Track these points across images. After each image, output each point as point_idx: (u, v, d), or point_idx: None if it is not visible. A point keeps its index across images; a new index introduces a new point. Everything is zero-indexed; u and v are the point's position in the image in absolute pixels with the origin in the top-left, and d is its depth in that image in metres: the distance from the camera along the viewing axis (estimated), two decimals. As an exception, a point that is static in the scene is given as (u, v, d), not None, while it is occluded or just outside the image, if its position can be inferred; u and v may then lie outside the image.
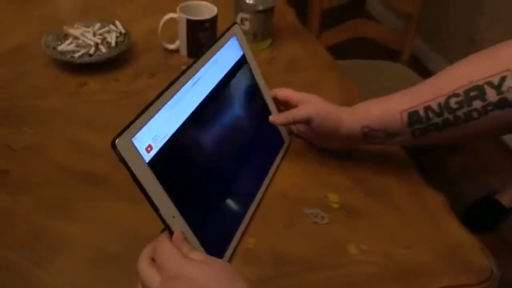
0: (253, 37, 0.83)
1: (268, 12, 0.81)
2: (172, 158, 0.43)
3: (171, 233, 0.40)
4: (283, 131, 0.62)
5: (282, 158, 0.61)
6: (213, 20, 0.78)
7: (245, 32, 0.82)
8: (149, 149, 0.40)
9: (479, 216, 1.43)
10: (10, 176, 0.54)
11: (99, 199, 0.52)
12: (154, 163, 0.40)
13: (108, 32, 0.78)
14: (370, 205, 0.55)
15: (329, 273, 0.47)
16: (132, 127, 0.38)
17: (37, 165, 0.56)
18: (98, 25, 0.78)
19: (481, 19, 2.03)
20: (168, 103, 0.43)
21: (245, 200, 0.52)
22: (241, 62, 0.57)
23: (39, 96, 0.67)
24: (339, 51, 1.52)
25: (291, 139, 0.63)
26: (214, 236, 0.47)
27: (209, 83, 0.50)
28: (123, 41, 0.77)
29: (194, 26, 0.76)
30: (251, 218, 0.52)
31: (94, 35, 0.76)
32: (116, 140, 0.36)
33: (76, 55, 0.72)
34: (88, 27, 0.78)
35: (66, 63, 0.72)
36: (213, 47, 0.52)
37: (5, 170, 0.55)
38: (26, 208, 0.51)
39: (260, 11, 0.80)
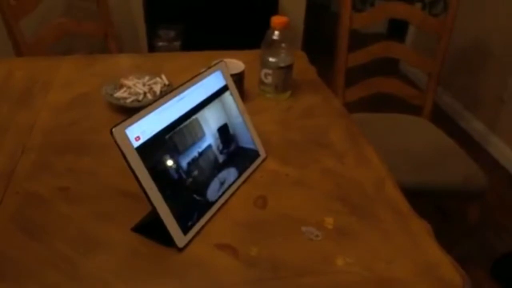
0: (275, 89, 0.97)
1: (288, 68, 0.96)
2: (153, 148, 0.58)
3: (150, 203, 0.55)
4: (260, 147, 0.76)
5: (256, 169, 0.75)
6: (240, 75, 0.93)
7: (268, 85, 0.97)
8: (137, 139, 0.56)
9: (507, 271, 1.42)
10: (70, 191, 0.69)
11: (137, 211, 0.65)
12: (140, 149, 0.56)
13: (155, 83, 0.94)
14: (361, 228, 0.64)
15: (317, 279, 0.56)
16: (126, 121, 0.55)
17: (91, 184, 0.70)
18: (147, 77, 0.96)
19: (509, 79, 2.09)
20: (157, 109, 0.60)
21: (213, 195, 0.65)
22: (223, 90, 0.73)
23: (97, 132, 0.83)
24: (364, 105, 1.65)
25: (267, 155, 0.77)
26: (183, 214, 0.60)
27: (192, 100, 0.66)
28: (167, 90, 0.93)
29: (224, 79, 0.91)
30: (252, 228, 0.62)
31: (144, 85, 0.93)
32: (113, 129, 0.53)
33: (128, 100, 0.89)
34: (139, 79, 0.95)
35: (120, 107, 0.89)
36: (200, 76, 0.69)
37: (67, 187, 0.70)
38: (81, 216, 0.64)
39: (280, 68, 0.95)
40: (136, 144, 0.56)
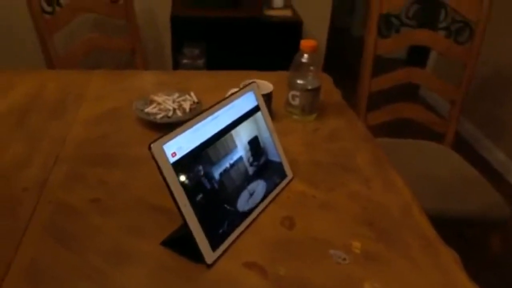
0: (302, 110, 0.98)
1: (315, 91, 0.97)
2: (188, 164, 0.60)
3: (183, 218, 0.56)
4: (287, 167, 0.77)
5: (283, 189, 0.76)
6: (269, 95, 0.95)
7: (295, 107, 0.98)
8: (173, 154, 0.57)
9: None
10: (101, 203, 0.70)
11: (167, 225, 0.66)
12: (175, 165, 0.57)
13: (184, 100, 0.96)
14: (388, 254, 0.64)
15: (345, 303, 0.56)
16: (164, 137, 0.56)
17: (122, 197, 0.72)
18: (177, 94, 0.98)
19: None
20: (193, 127, 0.61)
21: (242, 214, 0.67)
22: (255, 110, 0.74)
23: (128, 146, 0.85)
24: (385, 130, 1.64)
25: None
26: (213, 230, 0.61)
27: (225, 119, 0.68)
28: (195, 108, 0.95)
29: (252, 99, 0.93)
30: (280, 248, 0.62)
31: (173, 102, 0.95)
32: (151, 144, 0.54)
33: (158, 116, 0.91)
34: (169, 95, 0.97)
35: (150, 122, 0.91)
36: (233, 96, 0.70)
37: (98, 198, 0.71)
38: (111, 228, 0.66)
39: (308, 90, 0.96)
40: (172, 160, 0.57)
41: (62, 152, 0.83)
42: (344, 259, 0.62)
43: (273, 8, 2.08)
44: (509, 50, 2.22)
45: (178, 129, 0.59)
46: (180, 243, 0.61)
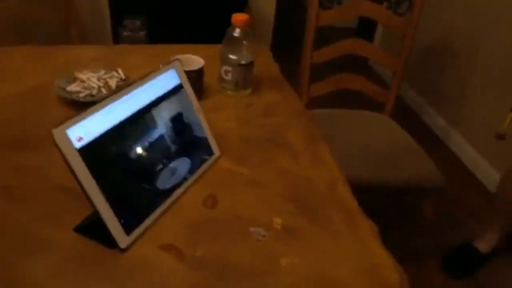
0: (235, 86, 0.96)
1: (248, 66, 0.95)
2: (99, 148, 0.57)
3: (91, 204, 0.54)
4: (213, 144, 0.76)
5: (209, 167, 0.74)
6: (199, 71, 0.92)
7: (228, 82, 0.96)
8: (79, 139, 0.54)
9: (457, 262, 1.47)
10: (12, 189, 0.66)
11: (82, 210, 0.63)
12: (82, 150, 0.55)
13: (111, 77, 0.92)
14: (310, 229, 0.64)
15: (260, 280, 0.56)
16: (68, 122, 0.53)
17: (36, 182, 0.68)
18: (103, 71, 0.93)
19: (471, 77, 2.15)
20: (103, 109, 0.58)
21: (162, 194, 0.65)
22: (178, 88, 0.72)
23: (47, 128, 0.80)
24: (331, 101, 1.66)
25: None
26: (127, 213, 0.59)
27: (143, 99, 0.65)
28: (123, 85, 0.91)
29: (181, 75, 0.90)
30: (200, 229, 0.62)
31: (98, 79, 0.90)
32: (53, 130, 0.52)
33: (81, 95, 0.86)
34: (94, 72, 0.92)
35: (72, 101, 0.86)
36: (151, 75, 0.67)
37: (9, 185, 0.67)
38: (22, 216, 0.62)
39: (240, 65, 0.94)
40: (78, 144, 0.54)
41: (-27, 135, 0.77)
42: (264, 235, 0.62)
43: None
44: (447, 21, 2.27)
45: (85, 112, 0.56)
46: (94, 228, 0.59)
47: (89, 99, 0.86)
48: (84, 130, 0.55)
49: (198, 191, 0.70)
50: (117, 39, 1.98)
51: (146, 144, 0.64)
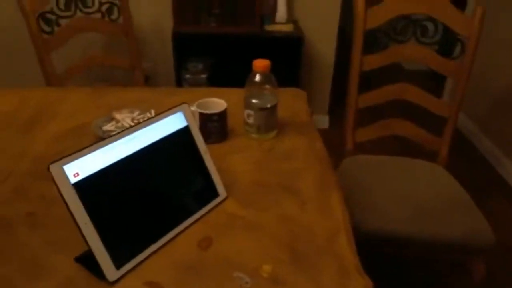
0: (257, 129, 0.98)
1: (270, 110, 0.97)
2: (95, 184, 0.61)
3: (83, 237, 0.58)
4: (220, 186, 0.78)
5: (212, 209, 0.76)
6: (222, 114, 0.96)
7: (251, 125, 0.99)
8: (76, 175, 0.59)
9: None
10: (35, 216, 0.74)
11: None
12: (78, 185, 0.59)
13: (144, 118, 0.99)
14: (296, 279, 0.63)
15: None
16: (66, 158, 0.59)
17: (56, 211, 0.75)
18: (137, 112, 1.01)
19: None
20: (103, 148, 0.63)
21: (158, 232, 0.68)
22: (183, 130, 0.75)
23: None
24: (384, 147, 1.59)
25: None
26: (119, 248, 0.62)
27: (144, 140, 0.69)
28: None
29: (204, 118, 0.95)
30: (188, 270, 0.63)
31: (132, 120, 0.98)
32: (50, 165, 0.56)
33: (113, 134, 0.94)
34: (130, 113, 1.01)
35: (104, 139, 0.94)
36: (156, 117, 0.71)
37: (34, 212, 0.75)
38: (36, 241, 0.69)
39: (262, 109, 0.96)
40: (74, 180, 0.60)
41: (16, 167, 0.88)
42: (247, 282, 0.62)
43: (275, 23, 2.09)
44: (504, 66, 2.11)
45: (84, 150, 0.62)
46: (91, 260, 0.63)
47: (119, 138, 0.93)
48: (81, 166, 0.61)
49: (195, 231, 0.72)
50: (180, 81, 2.12)
51: (145, 184, 0.68)
